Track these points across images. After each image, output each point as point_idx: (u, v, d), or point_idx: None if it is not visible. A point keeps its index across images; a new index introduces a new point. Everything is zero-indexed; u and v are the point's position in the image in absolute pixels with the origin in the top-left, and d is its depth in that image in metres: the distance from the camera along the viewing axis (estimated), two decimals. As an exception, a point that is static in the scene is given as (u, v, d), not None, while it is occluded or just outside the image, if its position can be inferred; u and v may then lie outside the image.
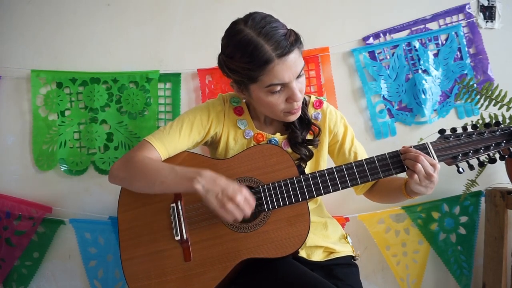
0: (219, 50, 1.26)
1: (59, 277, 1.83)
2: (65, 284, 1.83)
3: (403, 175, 1.23)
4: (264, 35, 1.14)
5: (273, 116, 1.29)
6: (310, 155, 1.33)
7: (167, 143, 1.28)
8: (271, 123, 1.38)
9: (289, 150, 1.33)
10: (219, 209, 1.12)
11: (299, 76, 1.20)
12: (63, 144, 1.78)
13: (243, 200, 1.12)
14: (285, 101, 1.22)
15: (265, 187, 1.21)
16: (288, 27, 1.21)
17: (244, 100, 1.35)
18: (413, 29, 1.82)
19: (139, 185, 1.23)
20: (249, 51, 1.14)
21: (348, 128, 1.41)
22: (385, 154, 1.21)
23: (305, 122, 1.35)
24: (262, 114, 1.35)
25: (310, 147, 1.34)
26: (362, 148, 1.43)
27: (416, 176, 1.14)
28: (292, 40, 1.16)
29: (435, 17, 1.82)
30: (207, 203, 1.13)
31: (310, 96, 1.41)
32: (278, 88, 1.19)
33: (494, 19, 1.81)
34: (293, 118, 1.28)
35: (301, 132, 1.33)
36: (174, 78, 1.81)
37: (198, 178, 1.13)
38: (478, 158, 1.21)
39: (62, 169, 1.79)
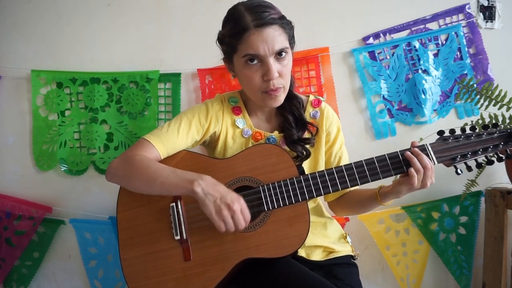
0: (219, 50, 1.28)
1: (59, 277, 1.83)
2: (65, 284, 1.83)
3: (369, 186, 1.24)
4: (250, 9, 1.20)
5: (254, 98, 1.29)
6: (307, 154, 1.33)
7: (165, 142, 1.28)
8: (269, 120, 1.39)
9: (286, 148, 1.33)
10: (214, 214, 1.11)
11: (280, 57, 1.22)
12: (63, 144, 1.78)
13: (240, 210, 1.11)
14: (261, 78, 1.23)
15: (265, 187, 1.21)
16: None
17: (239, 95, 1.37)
18: (413, 29, 1.82)
19: (138, 184, 1.22)
20: (232, 20, 1.23)
21: (340, 132, 1.42)
22: (384, 155, 1.20)
23: (301, 122, 1.34)
24: (258, 109, 1.36)
25: (307, 146, 1.33)
26: (347, 155, 1.43)
27: (415, 181, 1.16)
28: (275, 16, 1.20)
29: (435, 17, 1.82)
30: (204, 207, 1.12)
31: (308, 96, 1.42)
32: (255, 61, 1.21)
33: (494, 19, 1.81)
34: (273, 102, 1.26)
35: (297, 131, 1.33)
36: (174, 78, 1.81)
37: (199, 181, 1.13)
38: (476, 160, 1.20)
39: (62, 169, 1.79)
